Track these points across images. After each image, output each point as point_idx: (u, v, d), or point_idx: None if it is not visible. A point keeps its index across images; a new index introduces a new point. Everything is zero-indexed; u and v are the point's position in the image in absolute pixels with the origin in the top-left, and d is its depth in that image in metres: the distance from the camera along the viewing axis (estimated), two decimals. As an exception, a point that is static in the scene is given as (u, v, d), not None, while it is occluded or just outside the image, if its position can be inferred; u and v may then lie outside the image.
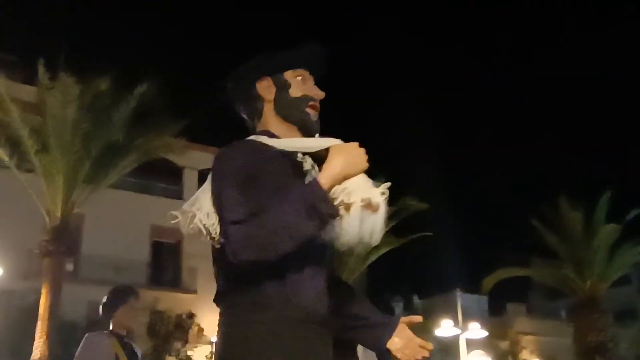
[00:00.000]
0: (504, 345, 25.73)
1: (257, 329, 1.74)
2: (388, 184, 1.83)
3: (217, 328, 1.87)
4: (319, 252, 1.84)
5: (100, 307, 4.17)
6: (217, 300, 1.89)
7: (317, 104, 2.02)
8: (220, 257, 1.83)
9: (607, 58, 61.12)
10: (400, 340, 2.00)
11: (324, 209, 1.70)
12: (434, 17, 66.37)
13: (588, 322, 20.89)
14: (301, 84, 2.00)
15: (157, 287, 21.83)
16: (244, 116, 2.09)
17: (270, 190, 1.77)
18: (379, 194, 1.80)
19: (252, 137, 1.94)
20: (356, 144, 1.81)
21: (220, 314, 1.87)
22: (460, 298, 20.10)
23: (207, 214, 1.81)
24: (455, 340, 19.56)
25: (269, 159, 1.83)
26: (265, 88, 2.00)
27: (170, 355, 18.86)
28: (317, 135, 1.98)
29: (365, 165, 1.79)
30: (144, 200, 23.23)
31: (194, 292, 22.53)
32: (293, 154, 1.90)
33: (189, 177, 24.97)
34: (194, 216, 1.84)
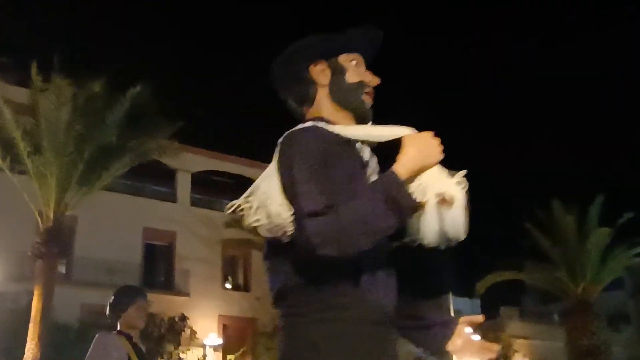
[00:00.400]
0: (497, 348, 25.76)
1: (331, 329, 1.62)
2: (464, 172, 1.70)
3: (281, 327, 1.72)
4: (390, 249, 1.74)
5: (108, 307, 4.09)
6: (280, 298, 1.72)
7: (372, 91, 1.91)
8: (283, 251, 1.68)
9: (602, 62, 61.48)
10: (460, 341, 1.88)
11: (404, 203, 1.60)
12: (431, 16, 66.52)
13: (581, 325, 20.96)
14: (356, 69, 1.89)
15: (150, 289, 21.56)
16: (290, 101, 1.95)
17: (344, 181, 1.65)
18: (454, 185, 1.67)
19: (311, 124, 1.78)
20: (431, 133, 1.71)
21: (284, 314, 1.72)
22: (453, 301, 20.10)
23: (280, 204, 1.64)
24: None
25: (338, 146, 1.72)
26: (320, 72, 1.88)
27: (162, 358, 18.78)
28: (369, 123, 1.87)
29: (440, 156, 1.68)
30: (137, 203, 23.18)
31: (187, 294, 22.48)
32: (353, 142, 1.78)
33: (182, 180, 24.93)
34: (262, 207, 1.66)
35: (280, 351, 1.71)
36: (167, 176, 24.26)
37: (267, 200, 1.65)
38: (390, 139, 1.74)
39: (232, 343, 23.02)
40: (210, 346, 22.03)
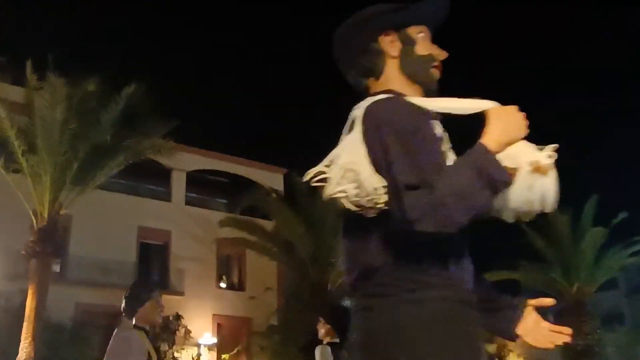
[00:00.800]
0: (492, 348, 25.80)
1: (421, 310, 1.54)
2: (555, 146, 1.65)
3: (363, 308, 1.63)
4: (470, 226, 1.66)
5: (124, 302, 4.07)
6: (364, 277, 1.62)
7: (440, 65, 1.84)
8: (366, 228, 1.61)
9: (599, 59, 61.63)
10: (531, 324, 1.81)
11: (498, 177, 1.52)
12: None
13: (575, 325, 20.97)
14: (425, 41, 1.82)
15: (145, 289, 21.74)
16: (352, 73, 1.87)
17: (433, 153, 1.59)
18: (546, 156, 1.62)
19: (391, 95, 1.71)
20: (515, 107, 1.64)
21: (368, 294, 1.62)
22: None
23: (370, 175, 1.54)
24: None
25: (424, 117, 1.65)
26: (390, 43, 1.80)
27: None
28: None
29: (526, 131, 1.62)
30: (131, 202, 23.15)
31: (181, 293, 22.45)
32: (431, 115, 1.70)
33: (177, 179, 24.90)
34: (348, 177, 1.57)
35: (362, 332, 1.62)
36: (162, 175, 24.23)
37: (355, 170, 1.56)
38: (473, 112, 1.67)
39: (227, 342, 23.01)
40: (204, 345, 22.02)
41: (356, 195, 1.55)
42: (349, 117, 1.74)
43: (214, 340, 22.55)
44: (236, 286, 25.10)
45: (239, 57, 61.12)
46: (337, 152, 1.63)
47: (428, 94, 1.79)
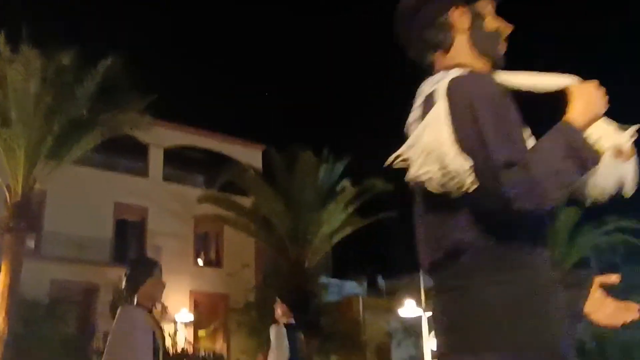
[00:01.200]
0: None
1: (514, 290, 1.51)
2: (637, 126, 1.62)
3: (448, 289, 1.58)
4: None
5: (125, 280, 3.99)
6: (450, 257, 1.57)
7: (506, 39, 1.80)
8: (451, 208, 1.57)
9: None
10: (597, 302, 1.78)
11: (587, 155, 1.50)
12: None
13: (548, 303, 21.36)
14: (492, 15, 1.79)
15: (121, 265, 21.62)
16: (418, 48, 1.81)
17: (519, 130, 1.56)
18: (628, 138, 1.60)
19: (469, 70, 1.66)
20: (596, 83, 1.60)
21: (455, 276, 1.57)
22: (424, 279, 20.32)
23: (457, 155, 1.50)
24: (418, 321, 19.82)
25: (508, 93, 1.60)
26: (460, 16, 1.75)
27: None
28: None
29: (606, 107, 1.58)
30: (108, 178, 22.94)
31: (159, 270, 22.38)
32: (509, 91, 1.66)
33: (155, 155, 24.70)
34: (433, 157, 1.52)
35: (449, 314, 1.58)
36: (139, 151, 24.02)
37: (439, 150, 1.52)
38: (555, 89, 1.62)
39: (204, 319, 23.06)
40: (181, 322, 22.04)
41: (442, 177, 1.51)
42: (418, 93, 1.70)
43: (191, 316, 22.57)
44: (214, 263, 25.10)
45: (218, 31, 60.52)
46: (418, 133, 1.57)
47: (496, 68, 1.75)
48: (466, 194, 1.51)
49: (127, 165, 24.50)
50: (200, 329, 22.92)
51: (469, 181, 1.49)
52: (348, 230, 20.50)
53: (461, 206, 1.55)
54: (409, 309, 19.97)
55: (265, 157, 23.89)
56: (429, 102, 1.63)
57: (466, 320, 1.53)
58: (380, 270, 30.59)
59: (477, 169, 1.48)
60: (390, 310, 22.05)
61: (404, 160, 1.57)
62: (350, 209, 20.01)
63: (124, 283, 4.00)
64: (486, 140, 1.49)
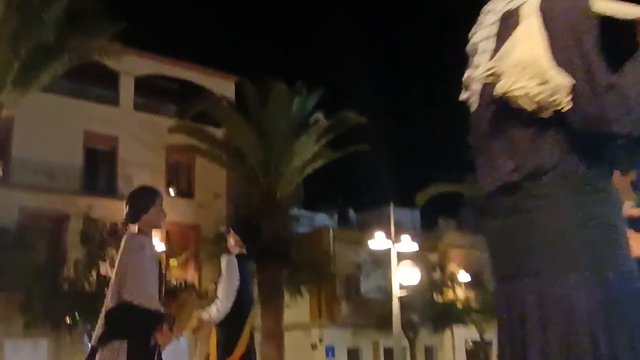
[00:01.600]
0: (434, 257, 26.77)
1: (590, 212, 1.50)
2: None
3: (529, 209, 1.55)
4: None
5: (127, 207, 4.00)
6: (534, 176, 1.55)
7: None
8: (539, 126, 1.53)
9: None
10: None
11: None
12: None
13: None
14: None
15: (91, 194, 21.54)
16: None
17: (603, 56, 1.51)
18: None
19: None
20: None
21: (533, 195, 1.54)
22: (394, 212, 20.61)
23: (556, 71, 1.45)
24: (387, 253, 20.22)
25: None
26: None
27: (104, 261, 18.82)
28: None
29: None
30: (77, 106, 22.52)
31: (130, 200, 22.34)
32: None
33: (125, 83, 24.23)
34: (528, 73, 1.47)
35: (524, 234, 1.56)
36: (110, 79, 23.53)
37: (537, 65, 1.47)
38: (636, 17, 1.58)
39: (175, 249, 23.21)
40: (153, 251, 22.17)
41: (539, 93, 1.47)
42: (485, 10, 1.65)
43: (163, 247, 22.71)
44: (185, 193, 25.10)
45: (190, -43, 58.57)
46: (505, 48, 1.52)
47: None
48: (557, 114, 1.49)
49: (97, 94, 24.05)
50: (172, 258, 23.10)
51: (567, 100, 1.46)
52: (320, 163, 20.56)
53: (549, 126, 1.53)
54: (379, 241, 20.31)
55: (238, 88, 23.61)
56: (507, 20, 1.59)
57: (546, 241, 1.52)
58: (351, 202, 30.97)
59: (578, 88, 1.45)
60: (360, 242, 22.43)
61: (491, 74, 1.53)
62: (323, 141, 20.02)
63: (126, 210, 4.01)
64: (591, 60, 1.46)
